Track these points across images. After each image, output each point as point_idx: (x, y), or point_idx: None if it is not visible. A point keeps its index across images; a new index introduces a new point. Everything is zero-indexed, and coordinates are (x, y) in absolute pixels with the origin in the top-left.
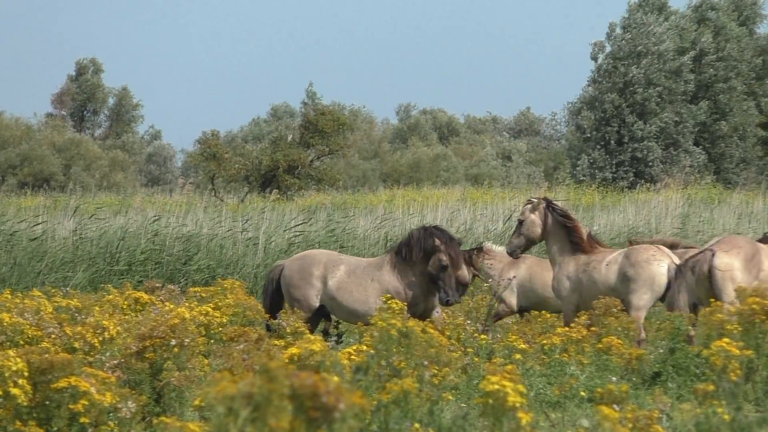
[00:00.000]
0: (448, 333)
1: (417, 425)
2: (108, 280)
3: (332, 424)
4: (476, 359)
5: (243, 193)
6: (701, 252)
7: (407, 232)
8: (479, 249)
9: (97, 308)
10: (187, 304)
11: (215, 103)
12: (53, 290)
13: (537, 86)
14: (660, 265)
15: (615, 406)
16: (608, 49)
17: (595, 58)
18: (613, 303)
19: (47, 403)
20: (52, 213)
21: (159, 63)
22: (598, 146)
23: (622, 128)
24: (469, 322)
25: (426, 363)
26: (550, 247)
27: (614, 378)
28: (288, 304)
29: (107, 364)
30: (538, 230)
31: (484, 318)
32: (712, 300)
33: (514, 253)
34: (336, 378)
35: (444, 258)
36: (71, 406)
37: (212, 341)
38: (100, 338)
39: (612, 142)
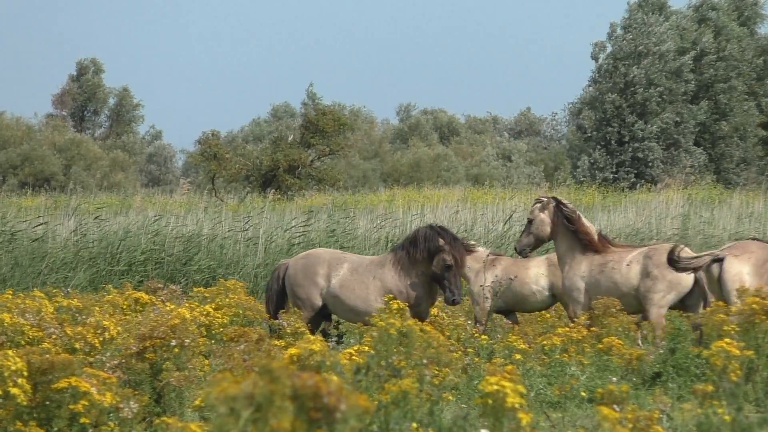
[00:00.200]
0: (447, 333)
1: (415, 425)
2: (108, 280)
3: (333, 425)
4: (476, 359)
5: (243, 193)
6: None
7: (412, 231)
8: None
9: (97, 308)
10: (187, 305)
11: (215, 103)
12: (54, 290)
13: (537, 86)
14: None
15: (615, 406)
16: (609, 49)
17: (595, 58)
18: (612, 303)
19: (47, 403)
20: (52, 213)
21: (159, 63)
22: (599, 146)
23: (622, 128)
24: (469, 322)
25: (426, 363)
26: (559, 246)
27: (615, 378)
28: (292, 302)
29: (108, 365)
30: (548, 229)
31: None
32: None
33: (524, 252)
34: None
35: (448, 258)
36: (71, 407)
37: (213, 342)
38: (101, 338)
39: (613, 142)
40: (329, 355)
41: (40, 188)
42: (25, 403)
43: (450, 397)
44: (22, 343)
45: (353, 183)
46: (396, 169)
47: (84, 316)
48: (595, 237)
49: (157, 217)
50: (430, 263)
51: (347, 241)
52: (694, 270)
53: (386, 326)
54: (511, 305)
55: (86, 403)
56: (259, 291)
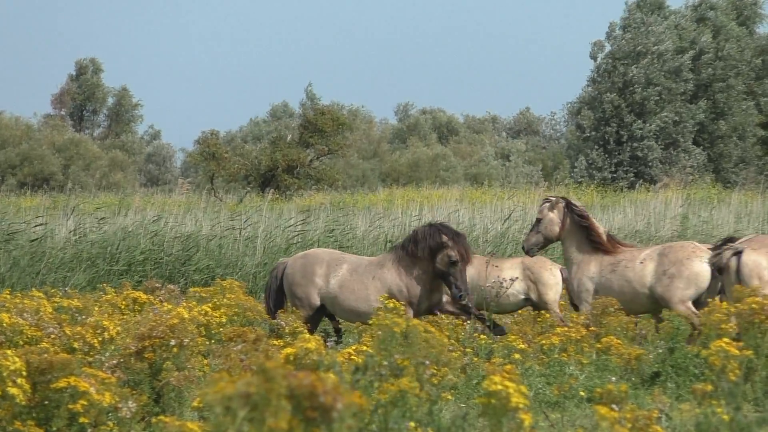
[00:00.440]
0: (447, 333)
1: (413, 424)
2: (107, 280)
3: (330, 424)
4: (475, 359)
5: (242, 193)
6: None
7: (412, 231)
8: None
9: (96, 308)
10: (185, 304)
11: (214, 102)
12: (53, 290)
13: (536, 86)
14: (702, 262)
15: (614, 406)
16: (608, 48)
17: (594, 58)
18: (611, 303)
19: (46, 403)
20: (51, 213)
21: (158, 63)
22: (597, 146)
23: (621, 128)
24: (469, 322)
25: (427, 363)
26: (568, 246)
27: (613, 378)
28: (290, 302)
29: (106, 364)
30: (556, 229)
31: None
32: None
33: (531, 251)
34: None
35: (453, 253)
36: (70, 406)
37: (212, 341)
38: (100, 338)
39: (611, 141)
40: (326, 354)
41: (39, 188)
42: (23, 402)
43: (449, 397)
44: (21, 342)
45: (352, 183)
46: (395, 168)
47: (83, 316)
48: (605, 238)
49: (156, 218)
50: (433, 261)
51: (346, 241)
52: (719, 269)
53: (391, 325)
54: (481, 306)
55: (85, 403)
56: (258, 291)
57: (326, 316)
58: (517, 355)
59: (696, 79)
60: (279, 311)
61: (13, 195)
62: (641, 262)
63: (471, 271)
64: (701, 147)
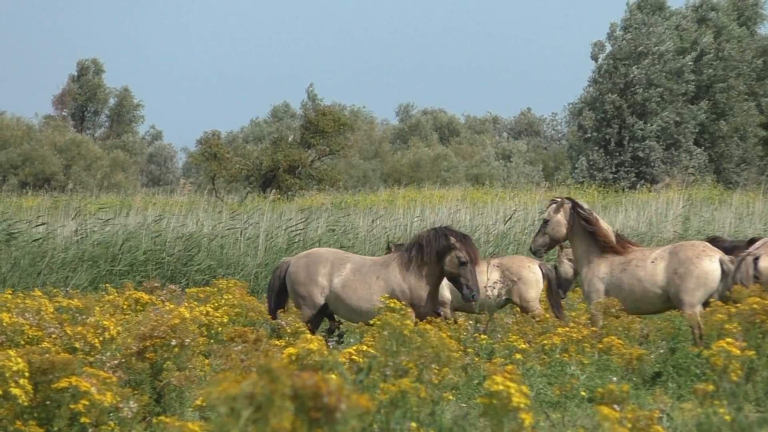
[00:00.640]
0: (448, 333)
1: (414, 424)
2: (109, 280)
3: (334, 425)
4: (476, 359)
5: (244, 193)
6: (744, 256)
7: (417, 234)
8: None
9: (97, 308)
10: (187, 304)
11: (216, 103)
12: (54, 290)
13: (537, 86)
14: (712, 261)
15: (615, 406)
16: (608, 49)
17: (595, 58)
18: (612, 303)
19: (48, 403)
20: (52, 213)
21: (159, 63)
22: (598, 147)
23: (622, 129)
24: (470, 322)
25: (434, 366)
26: (576, 247)
27: (615, 378)
28: (293, 301)
29: (108, 364)
30: (563, 230)
31: (486, 318)
32: None
33: (538, 252)
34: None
35: (462, 255)
36: (72, 406)
37: (213, 341)
38: (101, 338)
39: (612, 142)
40: (329, 355)
41: (41, 188)
42: (25, 403)
43: (450, 397)
44: (22, 342)
45: (353, 183)
46: (396, 169)
47: (84, 316)
48: (613, 238)
49: (158, 218)
50: (439, 265)
51: (347, 241)
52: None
53: (400, 326)
54: (458, 307)
55: (87, 403)
56: (260, 291)
57: (326, 316)
58: (518, 355)
59: (697, 79)
60: (280, 311)
61: (14, 195)
62: (652, 262)
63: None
64: (702, 147)
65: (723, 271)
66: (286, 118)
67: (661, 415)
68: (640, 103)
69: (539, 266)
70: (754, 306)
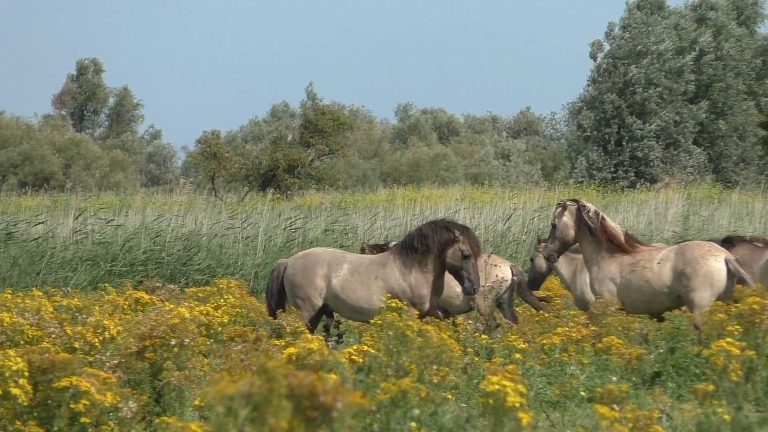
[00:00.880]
0: (447, 333)
1: (414, 424)
2: (109, 280)
3: (331, 424)
4: (476, 359)
5: (243, 192)
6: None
7: (415, 229)
8: (385, 246)
9: (97, 308)
10: (186, 304)
11: (215, 103)
12: (54, 290)
13: (537, 86)
14: (717, 261)
15: (615, 405)
16: (607, 48)
17: (594, 58)
18: (611, 302)
19: (48, 402)
20: (52, 213)
21: (159, 62)
22: (597, 146)
23: (621, 128)
24: (470, 321)
25: (435, 367)
26: (585, 248)
27: (614, 378)
28: (291, 302)
29: (107, 364)
30: (572, 232)
31: (485, 318)
32: None
33: (551, 257)
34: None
35: (465, 248)
36: (72, 406)
37: (212, 341)
38: (101, 338)
39: (611, 142)
40: (329, 354)
41: (40, 188)
42: (25, 402)
43: (450, 397)
44: (22, 342)
45: (353, 182)
46: (395, 168)
47: (84, 316)
48: (622, 237)
49: (158, 217)
50: (440, 259)
51: (346, 240)
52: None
53: (403, 327)
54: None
55: (87, 403)
56: (260, 290)
57: (324, 314)
58: (517, 355)
59: (696, 79)
60: (279, 311)
61: (14, 195)
62: (659, 263)
63: None
64: (702, 147)
65: (729, 271)
66: (286, 117)
67: (660, 414)
68: (639, 103)
69: (510, 267)
70: (754, 306)
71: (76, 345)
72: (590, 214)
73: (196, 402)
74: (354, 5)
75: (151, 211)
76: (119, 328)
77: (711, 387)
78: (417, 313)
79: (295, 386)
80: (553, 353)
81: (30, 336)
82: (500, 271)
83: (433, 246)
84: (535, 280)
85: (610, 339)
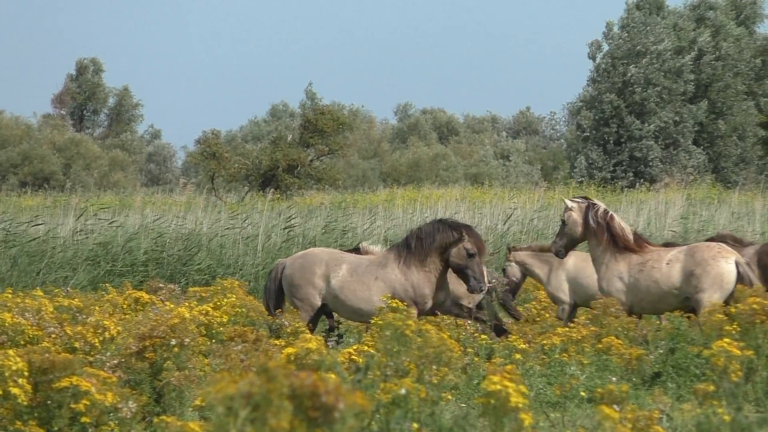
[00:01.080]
0: (447, 333)
1: (415, 425)
2: (109, 280)
3: (332, 424)
4: (476, 359)
5: (243, 192)
6: None
7: (417, 228)
8: (356, 249)
9: (97, 308)
10: (186, 304)
11: (215, 102)
12: (55, 290)
13: (536, 86)
14: (728, 262)
15: (615, 406)
16: (605, 48)
17: (593, 58)
18: (611, 303)
19: (48, 402)
20: (52, 213)
21: (159, 62)
22: (596, 146)
23: (620, 128)
24: (469, 322)
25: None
26: (593, 246)
27: (614, 378)
28: (290, 303)
29: (107, 364)
30: (579, 229)
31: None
32: None
33: (560, 253)
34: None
35: (470, 246)
36: (72, 406)
37: (213, 341)
38: (101, 338)
39: (610, 142)
40: (327, 354)
41: (40, 187)
42: (25, 402)
43: (450, 397)
44: (22, 342)
45: (352, 182)
46: (395, 168)
47: (84, 316)
48: (631, 237)
49: (158, 217)
50: (442, 258)
51: (346, 240)
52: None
53: (402, 327)
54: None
55: (87, 403)
56: (260, 290)
57: (324, 314)
58: (518, 355)
59: (696, 79)
60: (278, 311)
61: (13, 194)
62: (668, 263)
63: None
64: (701, 147)
65: (738, 273)
66: (285, 117)
67: (660, 415)
68: (638, 103)
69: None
70: (754, 306)
71: (77, 345)
72: (598, 213)
73: (196, 402)
74: (354, 5)
75: (151, 211)
76: (119, 328)
77: (711, 387)
78: (414, 312)
79: (297, 386)
80: (553, 353)
81: (30, 336)
82: None
83: (435, 246)
84: (510, 288)
85: (610, 339)
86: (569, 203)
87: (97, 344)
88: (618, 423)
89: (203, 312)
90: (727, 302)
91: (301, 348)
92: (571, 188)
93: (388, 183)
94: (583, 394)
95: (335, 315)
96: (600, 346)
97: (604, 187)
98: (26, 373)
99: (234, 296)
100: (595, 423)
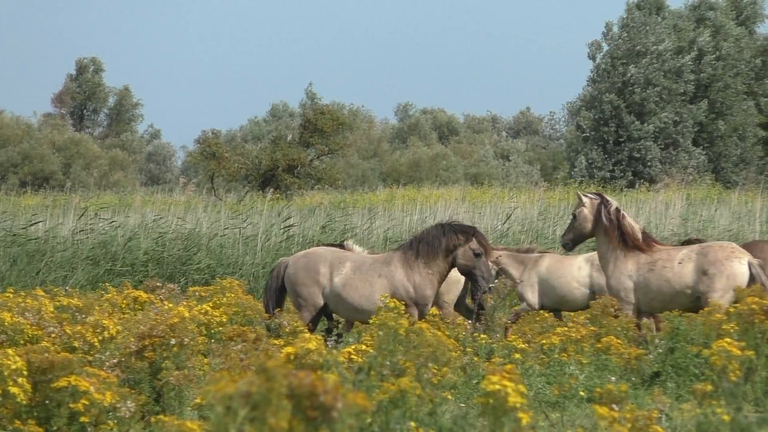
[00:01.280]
0: (447, 333)
1: (414, 424)
2: (109, 280)
3: (331, 424)
4: (475, 359)
5: (243, 192)
6: None
7: (423, 231)
8: (340, 246)
9: (96, 307)
10: (186, 303)
11: (215, 102)
12: (55, 289)
13: (536, 86)
14: (741, 263)
15: (614, 405)
16: (605, 48)
17: (593, 58)
18: (610, 303)
19: (47, 402)
20: (52, 212)
21: (159, 62)
22: (596, 146)
23: (619, 128)
24: (469, 321)
25: (430, 365)
26: (601, 243)
27: (613, 378)
28: (292, 301)
29: (107, 364)
30: (589, 225)
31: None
32: None
33: (567, 246)
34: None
35: (477, 247)
36: (71, 406)
37: (214, 341)
38: (100, 337)
39: (610, 142)
40: (327, 354)
41: (40, 187)
42: (24, 402)
43: (449, 397)
44: (22, 342)
45: (352, 182)
46: (395, 168)
47: (83, 315)
48: (640, 236)
49: (158, 217)
50: (445, 261)
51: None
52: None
53: (395, 326)
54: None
55: (86, 402)
56: (259, 290)
57: (324, 315)
58: (517, 355)
59: (696, 79)
60: (277, 310)
61: (13, 194)
62: (680, 262)
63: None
64: (701, 147)
65: (751, 274)
66: (285, 117)
67: (659, 415)
68: (638, 103)
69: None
70: (753, 306)
71: (76, 344)
72: (611, 210)
73: (196, 401)
74: (354, 5)
75: (151, 210)
76: (119, 327)
77: (710, 387)
78: (415, 312)
79: (296, 386)
80: (552, 353)
81: (30, 335)
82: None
83: (442, 249)
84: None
85: (609, 339)
86: (584, 198)
87: (96, 344)
88: (614, 423)
89: (203, 311)
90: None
91: (301, 348)
92: (571, 188)
93: (388, 183)
94: (582, 393)
95: (334, 317)
96: (599, 345)
97: (603, 186)
98: (25, 373)
99: (232, 295)
100: (594, 423)
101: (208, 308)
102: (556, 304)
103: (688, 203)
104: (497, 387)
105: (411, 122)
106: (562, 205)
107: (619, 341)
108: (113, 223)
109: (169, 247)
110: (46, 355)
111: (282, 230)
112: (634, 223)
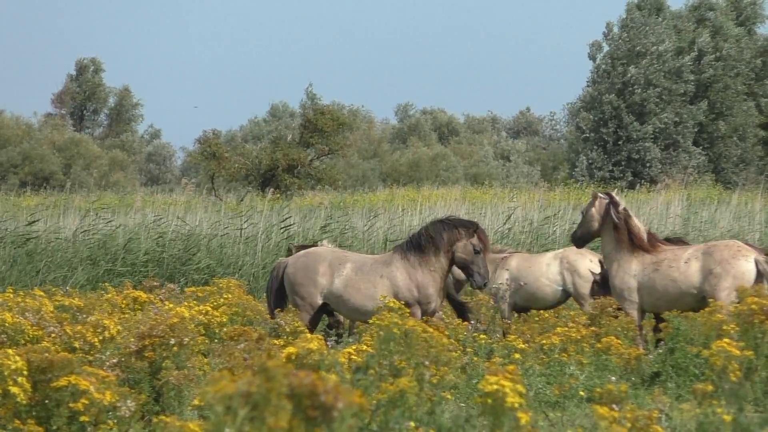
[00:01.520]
0: (447, 333)
1: (413, 424)
2: (109, 280)
3: (331, 423)
4: (475, 359)
5: (243, 192)
6: None
7: (422, 228)
8: (314, 246)
9: (96, 307)
10: (186, 303)
11: (215, 102)
12: (54, 289)
13: (536, 86)
14: (747, 261)
15: (614, 405)
16: (606, 48)
17: (593, 58)
18: (609, 303)
19: (47, 401)
20: (52, 212)
21: (159, 63)
22: (596, 146)
23: (619, 129)
24: (472, 322)
25: (427, 363)
26: (606, 243)
27: (613, 378)
28: (291, 301)
29: (107, 363)
30: (596, 225)
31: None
32: None
33: (577, 243)
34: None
35: (476, 242)
36: (71, 405)
37: (215, 341)
38: (100, 337)
39: (610, 142)
40: (328, 354)
41: (40, 187)
42: (24, 401)
43: (449, 397)
44: (22, 342)
45: (352, 182)
46: (395, 168)
47: (84, 315)
48: (645, 236)
49: (158, 217)
50: (447, 257)
51: (344, 240)
52: None
53: (392, 326)
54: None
55: (86, 402)
56: (259, 290)
57: (325, 313)
58: (517, 355)
59: (696, 79)
60: (278, 311)
61: (13, 194)
62: (686, 262)
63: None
64: (701, 147)
65: (758, 272)
66: (285, 117)
67: (660, 415)
68: (638, 104)
69: None
70: (753, 306)
71: (76, 344)
72: (619, 210)
73: (195, 401)
74: (354, 5)
75: (151, 211)
76: (119, 327)
77: (710, 387)
78: (417, 312)
79: (296, 386)
80: (552, 353)
81: (30, 335)
82: None
83: (444, 245)
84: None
85: (610, 339)
86: (597, 197)
87: (96, 343)
88: (613, 423)
89: (203, 312)
90: None
91: (302, 348)
92: (571, 189)
93: (388, 183)
94: (582, 393)
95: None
96: (599, 345)
97: (603, 187)
98: (25, 372)
99: (229, 295)
100: (594, 423)
101: (209, 308)
102: (526, 303)
103: (689, 204)
104: (495, 387)
105: (411, 122)
106: (562, 206)
107: (619, 341)
108: (112, 223)
109: (169, 247)
110: (46, 354)
111: (282, 230)
112: (639, 223)
